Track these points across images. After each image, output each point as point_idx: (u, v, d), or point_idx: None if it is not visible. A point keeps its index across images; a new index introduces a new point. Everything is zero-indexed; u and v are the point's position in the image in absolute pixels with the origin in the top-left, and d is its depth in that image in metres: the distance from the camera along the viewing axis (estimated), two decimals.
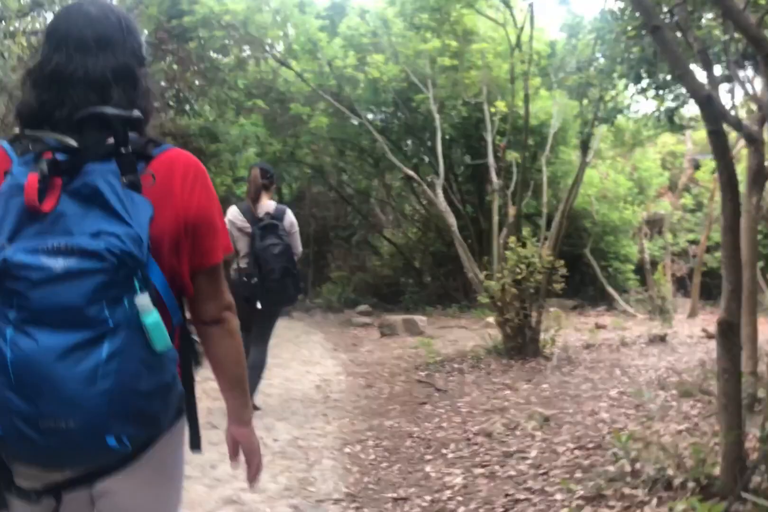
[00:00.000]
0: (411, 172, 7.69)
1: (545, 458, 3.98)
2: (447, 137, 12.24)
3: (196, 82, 8.27)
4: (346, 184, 15.95)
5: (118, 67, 1.32)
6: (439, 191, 7.59)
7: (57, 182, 1.18)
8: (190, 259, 1.35)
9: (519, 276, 6.68)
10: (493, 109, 8.34)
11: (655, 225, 14.19)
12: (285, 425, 5.01)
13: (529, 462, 3.94)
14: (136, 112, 1.29)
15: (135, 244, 1.14)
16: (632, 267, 13.65)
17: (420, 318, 9.83)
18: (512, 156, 8.15)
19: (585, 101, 6.65)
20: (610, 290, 12.69)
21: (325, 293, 15.08)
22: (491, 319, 10.77)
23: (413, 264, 15.50)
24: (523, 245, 6.83)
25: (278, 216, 4.95)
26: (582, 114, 6.58)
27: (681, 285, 14.09)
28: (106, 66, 1.31)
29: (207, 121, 8.63)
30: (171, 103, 8.67)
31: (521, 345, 6.75)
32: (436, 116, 8.06)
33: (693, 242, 15.18)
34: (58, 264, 1.09)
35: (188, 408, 1.37)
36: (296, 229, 5.08)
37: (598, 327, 9.91)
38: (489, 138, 7.89)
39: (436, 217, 14.00)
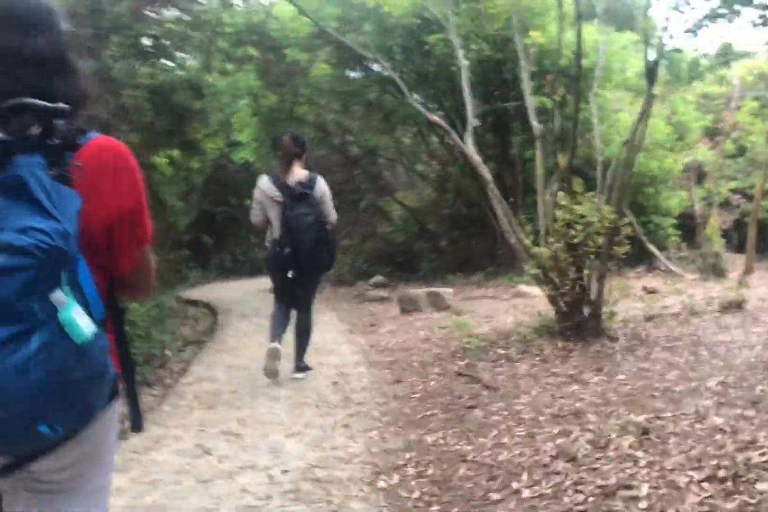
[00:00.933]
0: (436, 119, 6.37)
1: (664, 497, 2.81)
2: (455, 83, 10.90)
3: (174, 27, 6.96)
4: (352, 144, 14.60)
5: (52, 49, 1.31)
6: (470, 140, 6.31)
7: None
8: (122, 251, 1.40)
9: (575, 240, 5.46)
10: (528, 41, 6.97)
11: (694, 173, 12.82)
12: (296, 444, 3.89)
13: (642, 505, 2.78)
14: (62, 105, 1.25)
15: (63, 239, 1.14)
16: (673, 221, 12.36)
17: (445, 291, 8.65)
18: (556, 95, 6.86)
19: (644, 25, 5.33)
20: (652, 248, 11.45)
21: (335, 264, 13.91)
22: (524, 287, 9.73)
23: (429, 228, 14.29)
24: (576, 202, 5.59)
25: (309, 185, 4.93)
26: (645, 39, 5.26)
27: (726, 238, 12.81)
28: (40, 45, 1.29)
29: (190, 73, 7.34)
30: (149, 50, 7.38)
31: (580, 323, 5.56)
32: (460, 52, 6.71)
33: (735, 191, 13.87)
34: None
35: (128, 390, 1.45)
36: (328, 196, 5.05)
37: (648, 291, 8.72)
38: (524, 75, 6.56)
39: (454, 176, 12.75)
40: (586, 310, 5.59)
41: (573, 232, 5.44)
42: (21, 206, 1.14)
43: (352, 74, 12.07)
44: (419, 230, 14.70)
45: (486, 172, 6.39)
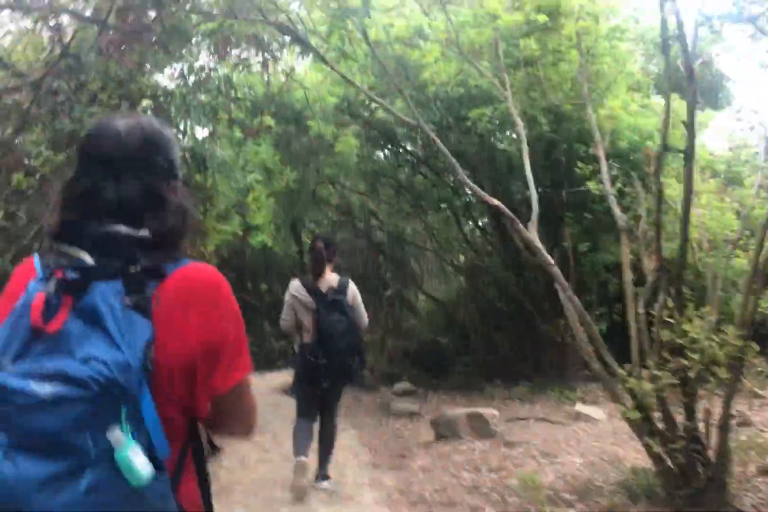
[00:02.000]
0: (498, 202, 5.02)
1: None
2: (506, 161, 9.67)
3: (175, 88, 5.81)
4: (378, 228, 13.33)
5: (145, 189, 1.34)
6: (533, 230, 4.95)
7: (67, 301, 1.19)
8: (204, 384, 1.30)
9: (689, 373, 3.95)
10: (602, 112, 5.69)
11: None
12: None
13: None
14: (144, 232, 1.29)
15: (122, 372, 1.10)
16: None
17: (489, 413, 7.02)
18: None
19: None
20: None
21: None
22: (582, 407, 8.14)
23: (459, 323, 12.77)
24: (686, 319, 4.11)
25: (342, 290, 4.91)
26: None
27: None
28: (132, 188, 1.33)
29: (192, 141, 6.15)
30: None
31: (696, 491, 3.95)
32: (521, 128, 5.44)
33: None
34: (45, 390, 1.07)
35: None
36: (359, 300, 5.02)
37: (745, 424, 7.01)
38: (600, 153, 5.24)
39: (492, 267, 11.34)
40: (704, 472, 3.99)
41: (684, 362, 3.96)
42: (95, 333, 1.13)
43: (382, 153, 10.99)
44: (448, 324, 13.17)
45: (555, 268, 4.97)
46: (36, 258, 1.33)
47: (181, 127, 6.22)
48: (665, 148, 4.20)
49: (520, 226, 4.85)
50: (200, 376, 1.28)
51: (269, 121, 6.98)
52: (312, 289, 4.88)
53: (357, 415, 9.00)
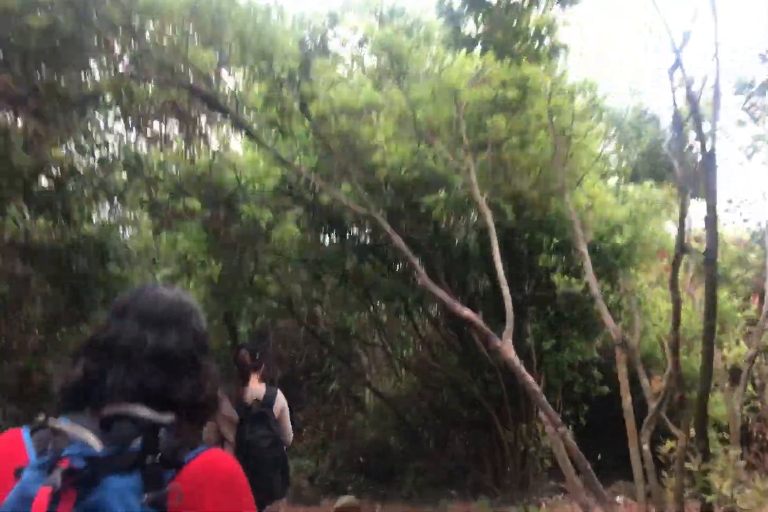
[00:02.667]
0: (468, 313, 4.08)
1: None
2: (461, 250, 8.84)
3: (77, 163, 4.82)
4: (321, 319, 12.23)
5: (182, 348, 1.29)
6: (509, 341, 3.99)
7: (71, 494, 1.06)
8: None
9: None
10: (582, 200, 4.88)
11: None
12: None
13: None
14: (168, 417, 1.20)
15: None
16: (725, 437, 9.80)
17: None
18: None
19: None
20: None
21: (293, 471, 10.95)
22: None
23: (413, 426, 11.57)
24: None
25: (268, 402, 4.59)
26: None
27: None
28: (170, 343, 1.27)
29: (96, 229, 5.09)
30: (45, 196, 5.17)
31: None
32: (487, 213, 4.59)
33: None
34: None
35: None
36: (287, 414, 4.72)
37: None
38: (583, 248, 4.39)
39: (449, 366, 10.30)
40: None
41: None
42: None
43: (326, 239, 10.08)
44: (398, 425, 11.94)
45: (532, 382, 3.98)
46: (26, 436, 1.16)
47: (84, 211, 5.16)
48: (682, 249, 3.37)
49: (498, 341, 3.89)
50: None
51: (195, 204, 6.00)
52: (236, 401, 4.59)
53: None
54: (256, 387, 4.68)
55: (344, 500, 9.38)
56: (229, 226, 6.67)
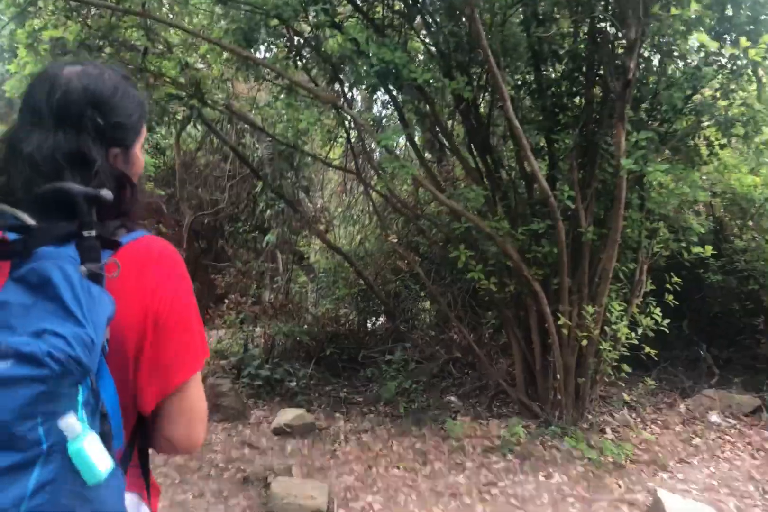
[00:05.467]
0: None
1: None
2: None
3: None
4: (256, 134, 8.02)
5: (72, 149, 1.12)
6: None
7: (4, 266, 1.02)
8: (150, 373, 1.10)
9: None
10: None
11: None
12: None
13: None
14: (106, 191, 1.09)
15: (85, 349, 0.92)
16: None
17: None
18: None
19: None
20: None
21: (209, 363, 7.22)
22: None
23: (385, 297, 7.91)
24: None
25: None
26: None
27: None
28: (52, 144, 1.11)
29: None
30: None
31: None
32: None
33: None
34: None
35: None
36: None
37: None
38: None
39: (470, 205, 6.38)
40: None
41: None
42: (41, 304, 0.95)
43: None
44: (365, 296, 8.31)
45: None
46: None
47: None
48: None
49: None
50: (148, 354, 1.08)
51: None
52: None
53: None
54: None
55: (289, 415, 5.80)
56: None
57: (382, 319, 8.76)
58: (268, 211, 9.52)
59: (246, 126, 8.84)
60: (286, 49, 5.29)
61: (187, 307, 1.16)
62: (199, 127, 11.96)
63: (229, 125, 10.12)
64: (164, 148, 13.06)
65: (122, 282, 1.07)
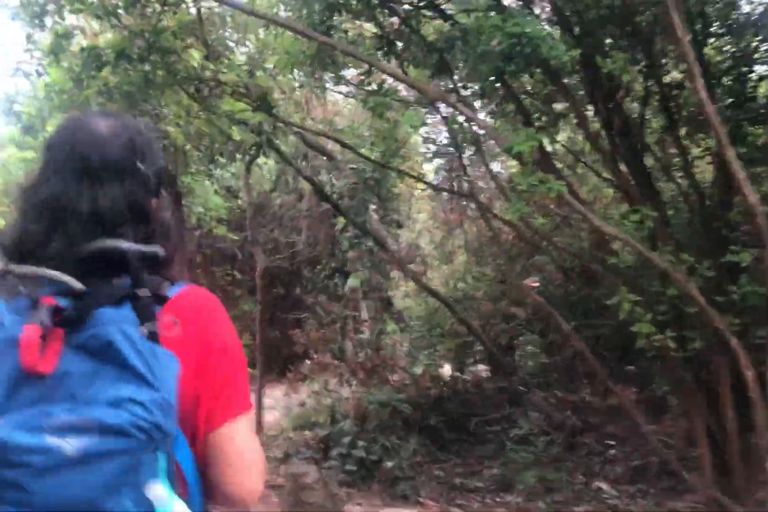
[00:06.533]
0: None
1: None
2: None
3: None
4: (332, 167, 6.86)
5: (127, 200, 1.09)
6: None
7: (58, 334, 0.94)
8: (203, 420, 1.07)
9: None
10: None
11: None
12: None
13: None
14: (156, 247, 1.08)
15: (164, 414, 0.89)
16: None
17: None
18: None
19: None
20: None
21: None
22: None
23: (497, 352, 6.48)
24: None
25: None
26: None
27: None
28: (113, 197, 1.08)
29: None
30: None
31: None
32: None
33: None
34: (70, 444, 0.84)
35: None
36: None
37: None
38: None
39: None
40: None
41: None
42: (107, 371, 0.91)
43: None
44: (468, 347, 6.92)
45: None
46: None
47: None
48: None
49: None
50: (203, 407, 1.06)
51: None
52: None
53: None
54: None
55: None
56: None
57: (485, 371, 7.37)
58: (350, 251, 8.33)
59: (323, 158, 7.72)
60: (376, 38, 4.08)
61: (236, 361, 1.14)
62: (271, 162, 10.96)
63: (304, 162, 9.06)
64: (237, 190, 12.21)
65: (176, 338, 1.03)
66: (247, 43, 6.30)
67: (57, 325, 0.93)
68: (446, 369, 7.44)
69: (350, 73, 5.15)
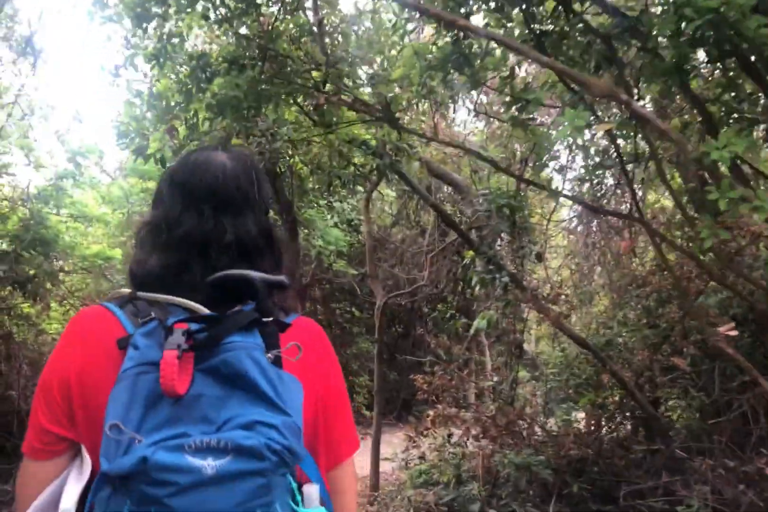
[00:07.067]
0: None
1: None
2: None
3: None
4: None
5: (262, 228, 1.19)
6: None
7: (189, 357, 0.99)
8: (323, 451, 1.16)
9: None
10: None
11: None
12: None
13: None
14: (282, 277, 1.14)
15: (294, 436, 0.95)
16: None
17: None
18: None
19: None
20: None
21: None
22: None
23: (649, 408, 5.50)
24: None
25: None
26: None
27: None
28: (254, 228, 1.17)
29: None
30: None
31: None
32: None
33: None
34: (209, 464, 0.88)
35: None
36: None
37: None
38: None
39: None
40: None
41: None
42: (237, 395, 0.96)
43: None
44: (619, 402, 5.96)
45: None
46: (115, 310, 1.08)
47: None
48: None
49: None
50: (322, 435, 1.14)
51: None
52: None
53: None
54: None
55: None
56: None
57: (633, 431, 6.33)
58: (478, 287, 7.57)
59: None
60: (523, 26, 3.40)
61: (344, 390, 1.19)
62: (392, 194, 10.43)
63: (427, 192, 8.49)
64: (357, 224, 11.84)
65: (297, 365, 1.06)
66: (372, 62, 5.77)
67: (190, 349, 0.97)
68: (586, 426, 6.49)
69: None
